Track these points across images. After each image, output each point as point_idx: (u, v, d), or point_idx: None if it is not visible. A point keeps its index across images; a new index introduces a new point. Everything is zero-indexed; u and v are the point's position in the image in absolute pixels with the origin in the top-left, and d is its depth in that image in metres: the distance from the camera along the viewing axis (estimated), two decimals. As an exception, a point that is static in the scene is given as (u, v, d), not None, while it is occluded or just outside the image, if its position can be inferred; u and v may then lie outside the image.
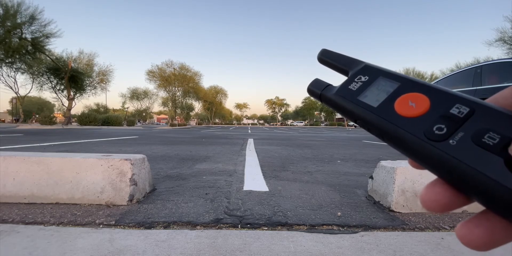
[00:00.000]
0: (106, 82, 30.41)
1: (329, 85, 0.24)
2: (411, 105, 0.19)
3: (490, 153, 0.15)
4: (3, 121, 59.02)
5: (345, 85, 0.23)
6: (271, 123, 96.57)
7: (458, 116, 0.17)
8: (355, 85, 0.22)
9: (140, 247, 1.15)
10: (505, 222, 0.15)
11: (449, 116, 0.17)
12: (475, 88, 4.62)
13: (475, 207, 0.15)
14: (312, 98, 0.26)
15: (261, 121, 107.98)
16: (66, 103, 26.26)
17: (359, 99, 0.21)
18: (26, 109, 43.16)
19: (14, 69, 23.87)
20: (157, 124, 75.87)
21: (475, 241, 0.15)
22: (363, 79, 0.22)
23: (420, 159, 0.17)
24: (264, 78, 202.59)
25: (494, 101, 0.18)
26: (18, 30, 19.66)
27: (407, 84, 0.20)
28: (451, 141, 0.16)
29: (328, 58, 0.26)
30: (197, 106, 57.80)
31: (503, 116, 0.16)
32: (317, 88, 0.24)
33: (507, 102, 0.17)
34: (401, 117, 0.19)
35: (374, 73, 0.22)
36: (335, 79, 0.26)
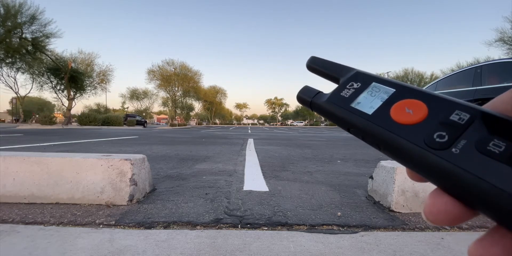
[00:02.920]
0: (106, 82, 30.44)
1: (320, 92, 0.23)
2: (408, 112, 0.18)
3: (498, 162, 0.14)
4: (3, 121, 59.06)
5: (336, 92, 0.22)
6: (271, 123, 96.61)
7: (459, 122, 0.16)
8: (347, 92, 0.21)
9: (140, 247, 1.15)
10: None
11: (450, 123, 0.16)
12: (475, 88, 4.62)
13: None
14: None
15: (261, 121, 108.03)
16: (66, 103, 26.29)
17: (352, 106, 0.20)
18: (26, 109, 43.19)
19: (14, 69, 23.92)
20: (157, 124, 75.88)
21: None
22: (355, 85, 0.22)
23: (421, 169, 0.16)
24: (264, 78, 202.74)
25: (492, 106, 0.17)
26: (18, 30, 19.67)
27: (402, 90, 0.19)
28: (453, 149, 0.15)
29: (317, 66, 0.25)
30: (197, 106, 57.91)
31: (506, 122, 0.15)
32: (307, 96, 0.23)
33: (507, 107, 0.16)
34: (398, 124, 0.18)
35: (367, 79, 0.22)
36: (328, 87, 0.23)
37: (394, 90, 0.20)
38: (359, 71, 0.23)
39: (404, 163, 0.17)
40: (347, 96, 0.21)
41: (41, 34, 21.00)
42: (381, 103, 0.19)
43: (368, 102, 0.20)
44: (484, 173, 0.14)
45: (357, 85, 0.21)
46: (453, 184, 0.15)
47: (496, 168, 0.13)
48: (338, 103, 0.21)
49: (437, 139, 0.16)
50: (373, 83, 0.21)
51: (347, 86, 0.22)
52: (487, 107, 0.17)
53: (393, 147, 0.17)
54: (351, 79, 0.22)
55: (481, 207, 0.14)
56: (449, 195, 0.15)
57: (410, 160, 0.17)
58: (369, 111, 0.19)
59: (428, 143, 0.16)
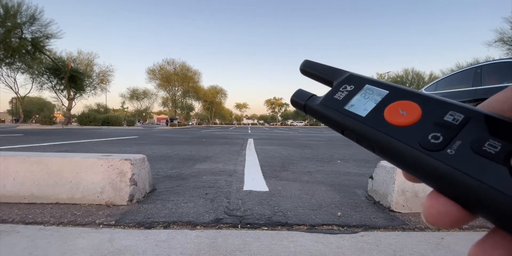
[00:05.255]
0: (106, 83, 30.45)
1: (313, 95, 0.23)
2: (402, 113, 0.18)
3: (493, 163, 0.13)
4: (3, 121, 59.09)
5: (330, 94, 0.22)
6: (271, 123, 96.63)
7: (453, 123, 0.16)
8: (340, 94, 0.21)
9: (140, 247, 1.15)
10: None
11: (444, 124, 0.16)
12: (475, 88, 4.62)
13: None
14: None
15: (261, 121, 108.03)
16: (66, 103, 26.30)
17: (345, 109, 0.20)
18: (26, 109, 43.19)
19: (14, 69, 23.91)
20: (157, 124, 75.85)
21: None
22: (348, 88, 0.21)
23: (416, 171, 0.16)
24: (264, 78, 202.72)
25: (488, 105, 0.17)
26: (18, 30, 19.66)
27: (395, 92, 0.19)
28: (449, 150, 0.15)
29: (310, 69, 0.25)
30: (197, 106, 57.89)
31: (500, 122, 0.15)
32: (301, 99, 0.23)
33: (502, 106, 0.16)
34: (392, 126, 0.17)
35: (360, 82, 0.22)
36: (323, 90, 0.21)
37: (388, 92, 0.20)
38: (352, 73, 0.23)
39: (399, 165, 0.17)
40: (341, 98, 0.21)
41: (41, 34, 21.01)
42: (374, 105, 0.19)
43: (361, 105, 0.20)
44: (480, 174, 0.13)
45: (350, 88, 0.21)
46: (449, 186, 0.14)
47: (492, 169, 0.13)
48: (331, 106, 0.21)
49: (432, 140, 0.16)
50: (366, 85, 0.21)
51: (341, 89, 0.22)
52: (483, 106, 0.17)
53: (388, 149, 0.17)
54: (344, 82, 0.22)
55: (478, 209, 0.14)
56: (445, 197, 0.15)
57: (405, 162, 0.17)
58: (363, 113, 0.19)
59: (422, 144, 0.16)
